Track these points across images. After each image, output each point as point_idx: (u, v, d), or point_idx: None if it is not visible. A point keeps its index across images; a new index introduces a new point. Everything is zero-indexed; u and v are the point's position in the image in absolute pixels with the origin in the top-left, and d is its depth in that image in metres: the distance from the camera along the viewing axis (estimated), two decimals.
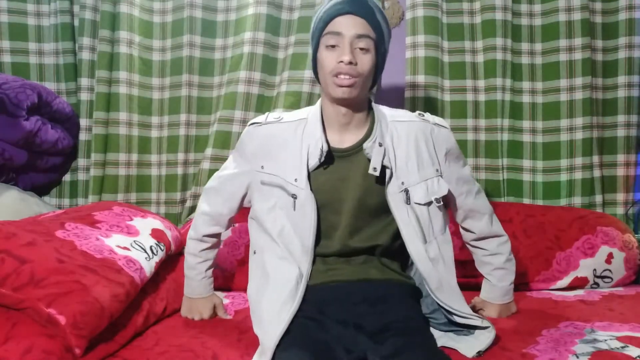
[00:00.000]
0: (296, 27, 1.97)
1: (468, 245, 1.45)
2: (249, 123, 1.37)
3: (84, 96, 1.99)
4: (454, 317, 1.20)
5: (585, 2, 1.90)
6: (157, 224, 1.58)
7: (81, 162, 2.01)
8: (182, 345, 1.21)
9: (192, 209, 2.00)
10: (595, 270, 1.71)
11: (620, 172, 1.94)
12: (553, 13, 1.94)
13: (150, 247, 1.43)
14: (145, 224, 1.54)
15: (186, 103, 2.01)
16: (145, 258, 1.37)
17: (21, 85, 1.73)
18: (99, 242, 1.32)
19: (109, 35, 1.96)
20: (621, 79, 1.92)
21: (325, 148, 1.23)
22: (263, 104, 2.00)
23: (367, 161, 1.23)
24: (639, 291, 1.66)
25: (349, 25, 1.20)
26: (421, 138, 1.29)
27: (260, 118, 1.36)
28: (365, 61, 1.21)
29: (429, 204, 1.25)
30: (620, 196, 1.95)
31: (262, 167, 1.29)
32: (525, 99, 1.98)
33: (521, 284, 1.67)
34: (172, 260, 1.62)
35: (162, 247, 1.49)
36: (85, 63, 1.98)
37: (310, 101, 1.96)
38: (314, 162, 1.23)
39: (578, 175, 1.93)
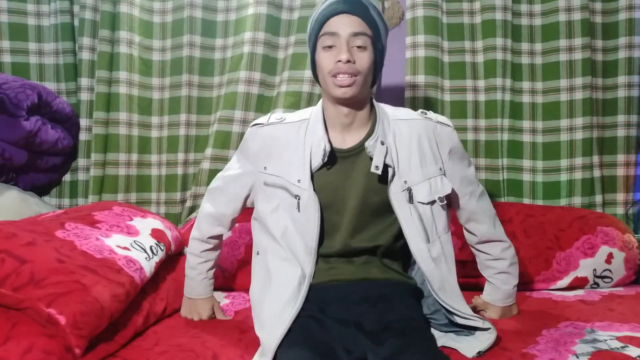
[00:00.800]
0: (296, 27, 1.97)
1: (471, 248, 1.44)
2: (252, 124, 1.36)
3: (84, 96, 1.99)
4: (455, 317, 1.20)
5: (585, 2, 1.90)
6: (157, 224, 1.58)
7: (81, 162, 2.01)
8: (182, 345, 1.21)
9: (192, 209, 2.00)
10: (595, 270, 1.71)
11: (620, 172, 1.94)
12: (553, 13, 1.94)
13: (150, 247, 1.43)
14: (145, 224, 1.54)
15: (186, 103, 2.01)
16: (145, 258, 1.37)
17: (21, 85, 1.73)
18: (99, 242, 1.32)
19: (109, 35, 1.96)
20: (621, 79, 1.92)
21: (327, 148, 1.23)
22: (263, 104, 2.00)
23: (369, 160, 1.23)
24: (639, 291, 1.66)
25: (345, 24, 1.20)
26: (424, 136, 1.28)
27: (263, 119, 1.35)
28: (363, 59, 1.21)
29: (432, 202, 1.25)
30: (620, 196, 1.94)
31: (265, 168, 1.29)
32: (525, 99, 1.97)
33: (521, 284, 1.65)
34: (172, 260, 1.62)
35: (162, 247, 1.49)
36: (85, 63, 1.98)
37: (310, 101, 1.96)
38: (317, 162, 1.23)
39: (578, 175, 1.93)
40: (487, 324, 1.19)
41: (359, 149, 1.25)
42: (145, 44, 2.02)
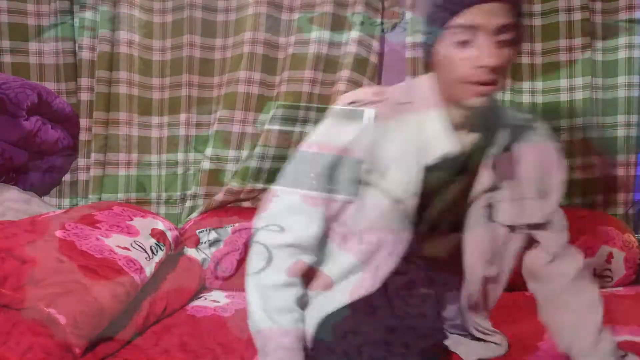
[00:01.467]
0: (296, 27, 1.97)
1: (532, 283, 1.17)
2: (347, 101, 1.03)
3: (84, 96, 1.99)
4: (472, 330, 1.16)
5: (585, 2, 1.90)
6: (157, 224, 1.58)
7: (81, 162, 2.01)
8: (182, 345, 1.21)
9: (192, 209, 2.00)
10: (595, 270, 1.71)
11: (620, 172, 1.94)
12: (553, 13, 1.94)
13: (151, 247, 1.43)
14: (145, 224, 1.54)
15: (186, 103, 2.00)
16: (146, 258, 1.37)
17: (21, 85, 1.73)
18: (99, 242, 1.32)
19: (109, 35, 1.96)
20: (621, 79, 1.91)
21: (449, 149, 0.98)
22: (263, 104, 1.99)
23: (474, 166, 1.02)
24: (639, 291, 1.66)
25: (490, 16, 0.88)
26: (535, 152, 1.07)
27: (360, 94, 1.04)
28: (507, 58, 0.91)
29: (513, 228, 1.05)
30: (620, 196, 1.95)
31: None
32: (525, 99, 1.97)
33: (521, 284, 1.66)
34: (172, 260, 1.62)
35: (162, 247, 1.49)
36: (85, 63, 1.98)
37: (310, 101, 1.95)
38: (427, 162, 0.99)
39: (578, 175, 1.94)
40: (503, 341, 1.16)
41: (471, 153, 1.03)
42: (145, 44, 2.02)
